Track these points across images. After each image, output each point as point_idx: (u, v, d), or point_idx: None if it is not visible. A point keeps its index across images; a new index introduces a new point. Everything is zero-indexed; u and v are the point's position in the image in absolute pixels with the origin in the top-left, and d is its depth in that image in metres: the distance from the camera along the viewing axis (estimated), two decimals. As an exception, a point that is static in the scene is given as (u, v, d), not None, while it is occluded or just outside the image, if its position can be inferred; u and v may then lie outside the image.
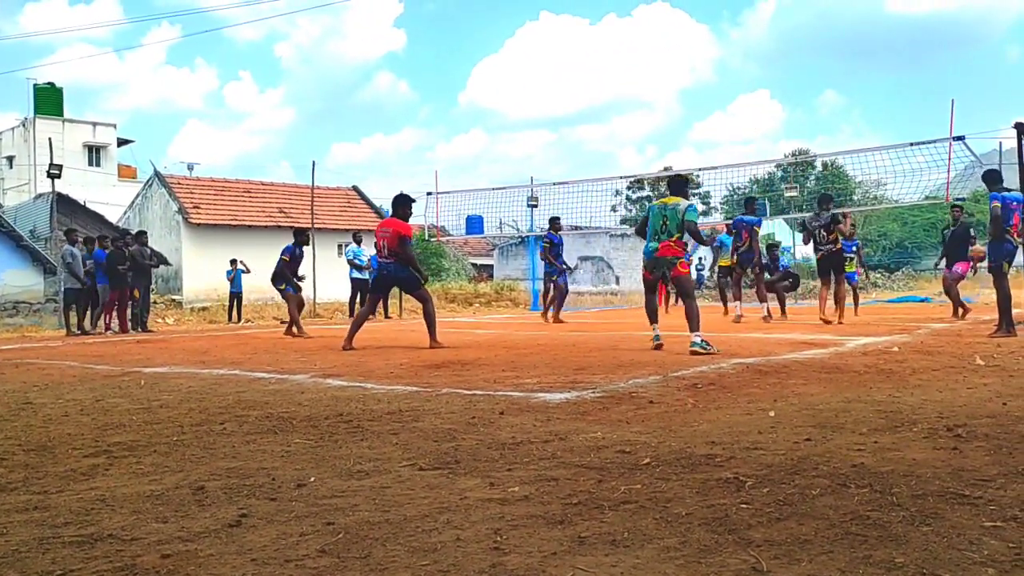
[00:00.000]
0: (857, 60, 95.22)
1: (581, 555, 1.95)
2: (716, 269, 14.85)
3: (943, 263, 12.54)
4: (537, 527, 2.17)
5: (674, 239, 7.59)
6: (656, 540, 2.04)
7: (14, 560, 2.02)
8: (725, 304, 13.77)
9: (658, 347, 7.37)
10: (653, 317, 7.76)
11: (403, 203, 9.01)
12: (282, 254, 11.57)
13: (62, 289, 13.91)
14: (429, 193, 21.03)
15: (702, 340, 6.92)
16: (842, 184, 38.24)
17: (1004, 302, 8.26)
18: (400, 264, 8.69)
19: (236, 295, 17.50)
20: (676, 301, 20.60)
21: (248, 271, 17.52)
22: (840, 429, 3.40)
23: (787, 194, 23.36)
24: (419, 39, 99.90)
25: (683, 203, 7.72)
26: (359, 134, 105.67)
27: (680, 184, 8.00)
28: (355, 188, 29.06)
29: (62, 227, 16.05)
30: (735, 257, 12.67)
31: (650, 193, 44.98)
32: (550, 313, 13.69)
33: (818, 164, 40.61)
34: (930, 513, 2.20)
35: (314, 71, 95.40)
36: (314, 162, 19.41)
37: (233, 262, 17.52)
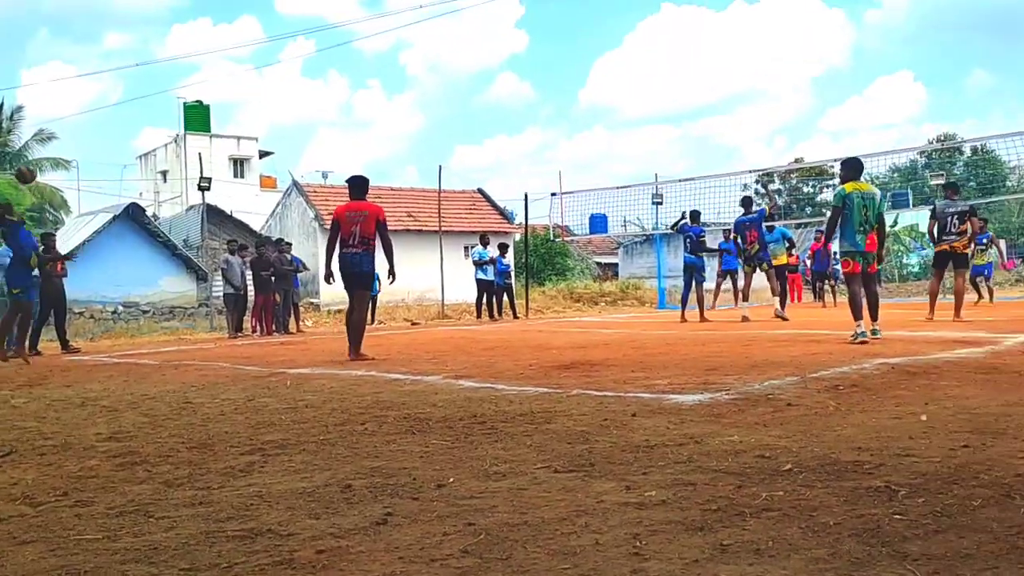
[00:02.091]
0: (1009, 36, 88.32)
1: (724, 564, 1.91)
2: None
3: None
4: (676, 533, 2.15)
5: (875, 230, 7.75)
6: (803, 551, 1.97)
7: (184, 552, 2.18)
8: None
9: (862, 342, 7.29)
10: (859, 313, 7.60)
11: (366, 185, 8.16)
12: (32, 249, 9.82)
13: (222, 294, 14.94)
14: (553, 194, 21.13)
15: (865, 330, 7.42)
16: (993, 170, 35.68)
17: None
18: (370, 256, 7.85)
19: (372, 297, 18.16)
20: (816, 298, 19.86)
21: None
22: (1001, 435, 3.18)
23: (932, 182, 22.03)
24: (540, 39, 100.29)
25: (876, 192, 7.88)
26: (482, 136, 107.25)
27: (861, 168, 8.11)
28: (480, 190, 29.56)
29: (213, 237, 17.17)
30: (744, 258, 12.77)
31: (780, 186, 43.43)
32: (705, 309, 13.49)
33: (966, 149, 38.05)
34: (1111, 529, 2.02)
35: (439, 77, 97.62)
36: (440, 166, 19.91)
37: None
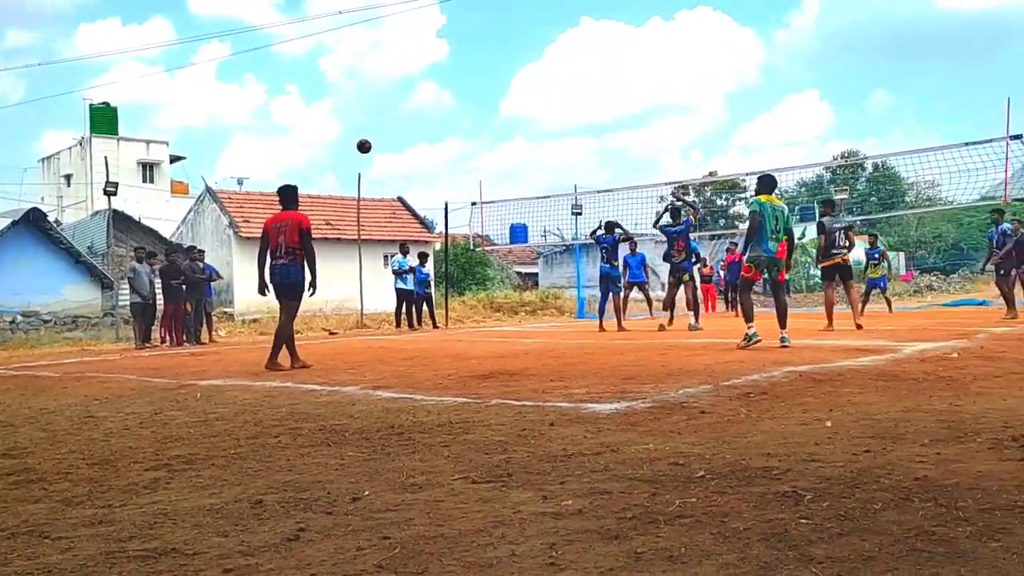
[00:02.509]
0: (908, 59, 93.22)
1: (638, 571, 1.93)
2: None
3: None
4: (592, 542, 2.16)
5: (784, 241, 8.35)
6: (715, 556, 2.01)
7: (82, 575, 2.07)
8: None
9: (757, 343, 7.91)
10: (751, 316, 8.19)
11: (296, 194, 8.17)
12: None
13: (129, 303, 14.38)
14: (474, 203, 21.15)
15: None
16: (893, 186, 37.49)
17: None
18: (298, 265, 7.77)
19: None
20: (729, 308, 20.46)
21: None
22: (900, 440, 3.32)
23: (837, 196, 22.97)
24: (461, 49, 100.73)
25: (785, 207, 8.59)
26: (403, 145, 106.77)
27: (775, 184, 8.77)
28: (400, 199, 29.37)
29: (119, 244, 16.53)
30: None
31: (695, 198, 44.59)
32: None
33: (868, 166, 39.88)
34: (998, 528, 2.13)
35: (359, 84, 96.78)
36: (360, 174, 19.74)
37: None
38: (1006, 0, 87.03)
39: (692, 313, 12.67)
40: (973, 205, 16.10)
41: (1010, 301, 12.68)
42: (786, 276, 8.82)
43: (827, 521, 2.25)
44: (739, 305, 8.81)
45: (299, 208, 8.22)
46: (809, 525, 2.22)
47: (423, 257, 17.46)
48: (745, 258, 8.62)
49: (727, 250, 21.89)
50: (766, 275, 8.70)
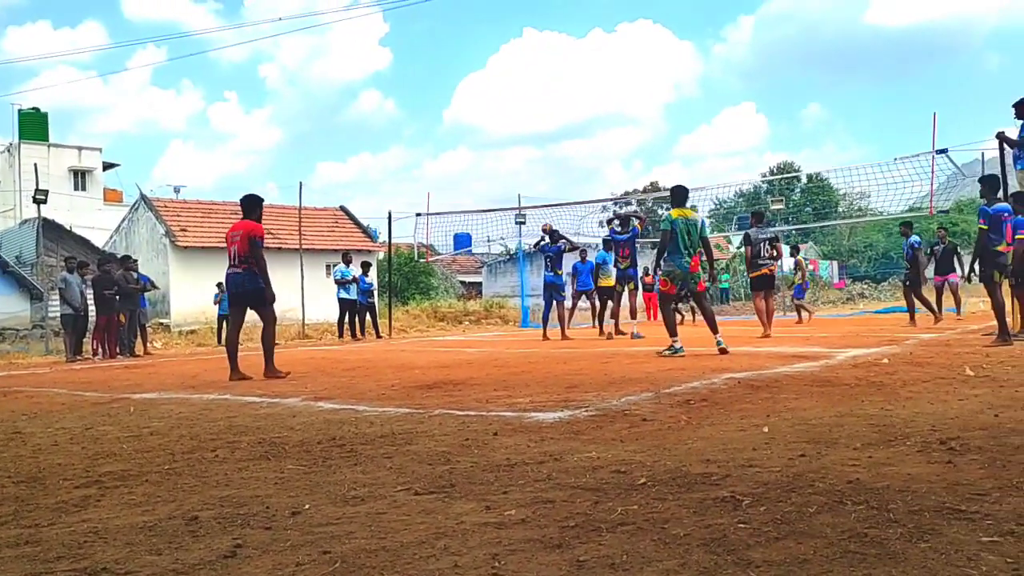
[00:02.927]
0: (840, 73, 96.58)
1: (580, 580, 1.94)
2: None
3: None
4: (535, 551, 2.16)
5: (697, 253, 8.53)
6: (655, 563, 2.03)
7: (6, 597, 1.99)
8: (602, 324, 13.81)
9: (681, 357, 8.03)
10: (674, 330, 8.46)
11: (257, 204, 8.13)
12: None
13: (59, 315, 13.91)
14: (418, 214, 21.08)
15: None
16: (827, 196, 38.59)
17: (998, 311, 8.43)
18: (252, 273, 7.83)
19: (224, 317, 17.42)
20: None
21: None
22: (834, 444, 3.40)
23: (773, 207, 23.54)
24: (405, 57, 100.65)
25: (699, 218, 8.76)
26: (345, 153, 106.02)
27: (686, 195, 8.92)
28: (342, 208, 29.08)
29: (50, 253, 16.01)
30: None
31: (637, 208, 45.20)
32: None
33: (803, 177, 40.98)
34: (927, 529, 2.20)
35: (300, 91, 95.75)
36: (301, 183, 19.40)
37: (220, 285, 17.46)
38: (931, 16, 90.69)
39: (613, 322, 12.80)
40: (902, 216, 16.65)
41: (930, 307, 13.18)
42: (706, 286, 9.06)
43: (764, 525, 2.29)
44: (663, 319, 8.94)
45: (260, 218, 8.16)
46: (747, 530, 2.26)
47: (366, 266, 17.33)
48: (660, 272, 8.84)
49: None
50: (683, 289, 8.97)
